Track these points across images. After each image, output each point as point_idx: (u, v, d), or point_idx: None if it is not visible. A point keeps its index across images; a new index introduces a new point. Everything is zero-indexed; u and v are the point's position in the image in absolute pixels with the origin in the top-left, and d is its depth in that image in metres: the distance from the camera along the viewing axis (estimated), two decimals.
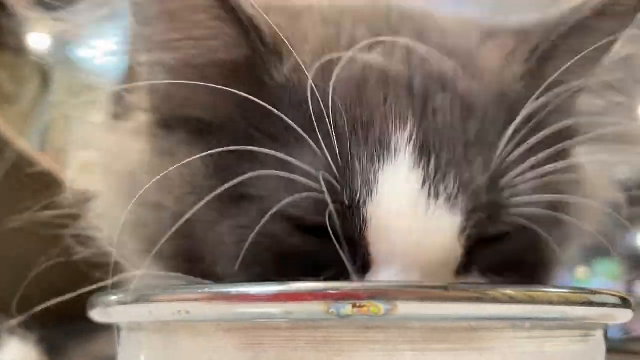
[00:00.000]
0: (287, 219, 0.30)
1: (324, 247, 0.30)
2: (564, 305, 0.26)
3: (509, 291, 0.24)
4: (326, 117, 0.29)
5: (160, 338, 0.27)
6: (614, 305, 0.29)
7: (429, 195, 0.29)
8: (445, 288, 0.23)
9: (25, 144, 0.58)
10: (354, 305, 0.22)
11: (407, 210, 0.29)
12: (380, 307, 0.22)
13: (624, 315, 0.30)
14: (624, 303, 0.29)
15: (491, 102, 0.32)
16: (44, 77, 1.10)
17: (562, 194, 0.32)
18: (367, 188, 0.29)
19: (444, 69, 0.33)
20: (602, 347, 0.30)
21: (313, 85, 0.30)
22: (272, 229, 0.30)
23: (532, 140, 0.31)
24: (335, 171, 0.29)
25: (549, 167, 0.31)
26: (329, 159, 0.29)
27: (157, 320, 0.26)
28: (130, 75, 0.37)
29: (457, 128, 0.31)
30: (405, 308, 0.23)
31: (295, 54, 0.31)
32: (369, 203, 0.29)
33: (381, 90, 0.31)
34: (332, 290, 0.23)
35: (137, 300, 0.26)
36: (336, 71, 0.30)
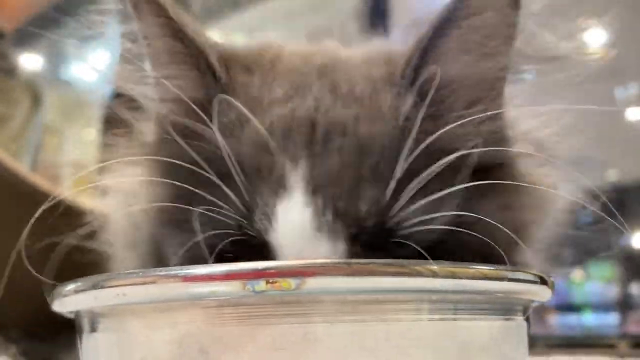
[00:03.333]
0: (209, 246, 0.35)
1: None
2: (480, 280, 0.28)
3: (432, 267, 0.27)
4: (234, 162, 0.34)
5: (111, 321, 0.30)
6: (530, 282, 0.31)
7: (316, 226, 0.33)
8: (348, 263, 0.26)
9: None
10: (267, 282, 0.25)
11: (297, 239, 0.33)
12: (291, 282, 0.25)
13: (541, 293, 0.32)
14: (541, 280, 0.32)
15: (389, 140, 0.35)
16: (35, 98, 1.13)
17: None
18: (267, 219, 0.34)
19: (346, 116, 0.36)
20: (521, 328, 0.32)
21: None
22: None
23: (423, 171, 0.34)
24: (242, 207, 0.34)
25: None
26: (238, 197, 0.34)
27: (103, 304, 0.29)
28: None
29: (351, 167, 0.34)
30: (314, 283, 0.25)
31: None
32: (270, 232, 0.34)
33: (283, 138, 0.35)
34: (247, 269, 0.26)
35: (86, 288, 0.29)
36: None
